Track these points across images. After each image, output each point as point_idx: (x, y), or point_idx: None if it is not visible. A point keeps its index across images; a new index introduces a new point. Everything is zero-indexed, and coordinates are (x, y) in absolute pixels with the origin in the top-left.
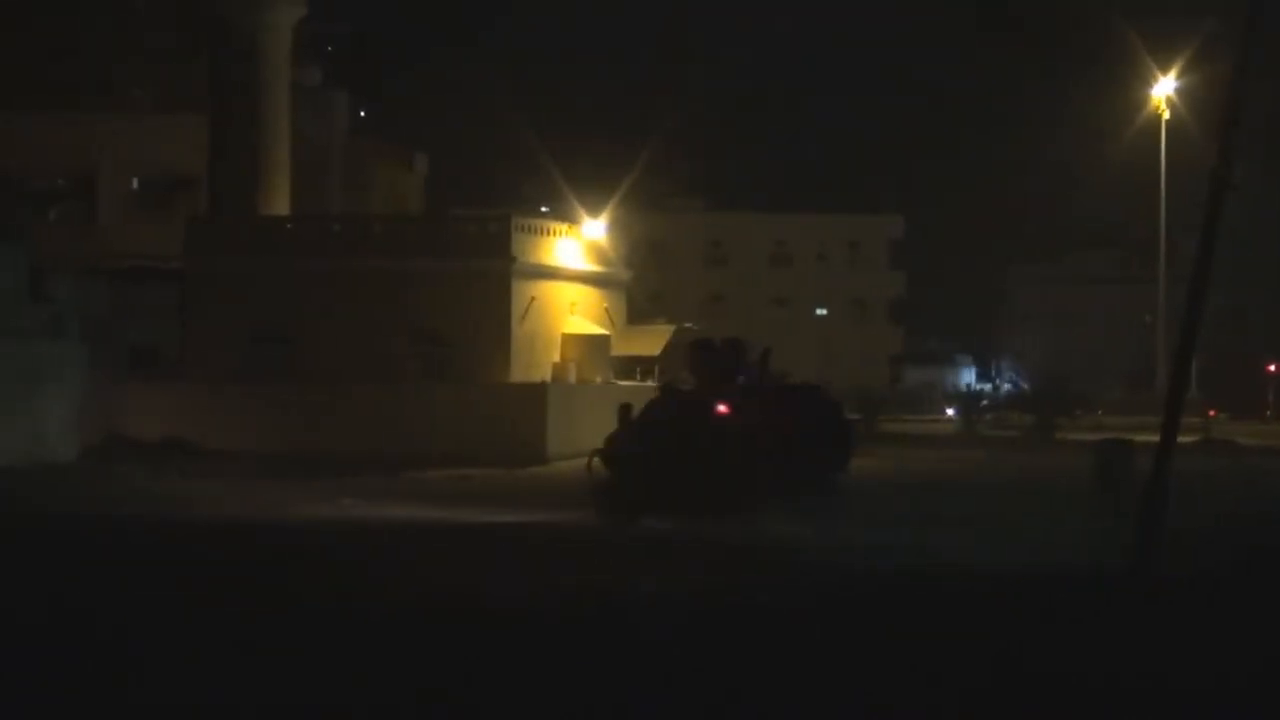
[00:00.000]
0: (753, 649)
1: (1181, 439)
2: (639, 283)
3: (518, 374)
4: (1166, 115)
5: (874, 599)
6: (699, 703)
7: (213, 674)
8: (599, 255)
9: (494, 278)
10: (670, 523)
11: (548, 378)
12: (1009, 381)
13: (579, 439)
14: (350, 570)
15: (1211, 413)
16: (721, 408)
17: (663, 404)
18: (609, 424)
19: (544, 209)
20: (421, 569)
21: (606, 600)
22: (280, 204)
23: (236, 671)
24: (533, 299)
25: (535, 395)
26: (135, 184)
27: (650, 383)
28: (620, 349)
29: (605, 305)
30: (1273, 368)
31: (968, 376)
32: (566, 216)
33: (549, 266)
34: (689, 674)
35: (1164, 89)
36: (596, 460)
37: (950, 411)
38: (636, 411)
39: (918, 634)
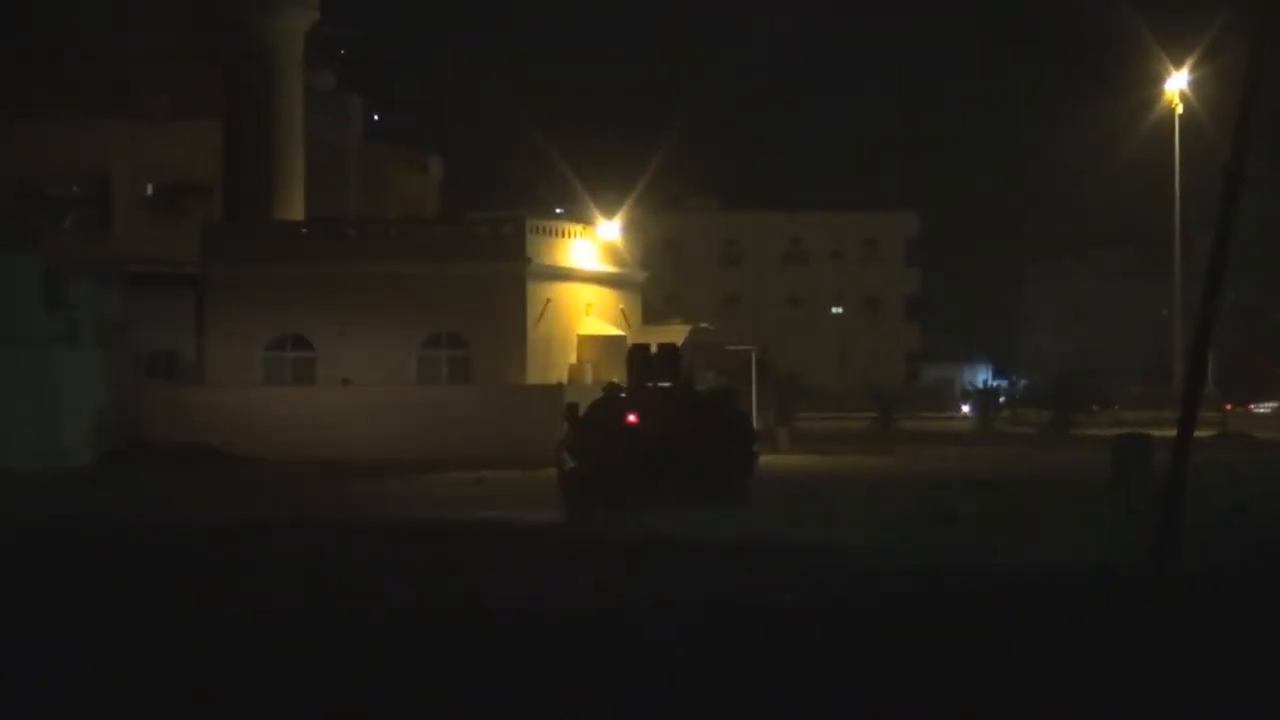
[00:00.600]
0: (752, 649)
1: (1198, 433)
2: (654, 283)
3: (534, 376)
4: (1180, 110)
5: (876, 599)
6: (699, 703)
7: (213, 674)
8: (614, 256)
9: (509, 279)
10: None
11: (564, 379)
12: (1025, 378)
13: None
14: (355, 570)
15: (1228, 406)
16: (631, 416)
17: (601, 406)
18: None
19: (558, 210)
20: (424, 570)
21: (607, 601)
22: (295, 208)
23: (235, 671)
24: (548, 300)
25: (551, 397)
26: (149, 189)
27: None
28: None
29: (621, 306)
30: None
31: (984, 373)
32: (581, 218)
33: (564, 268)
34: (689, 674)
35: (1177, 83)
36: (567, 459)
37: (965, 408)
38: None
39: (916, 634)
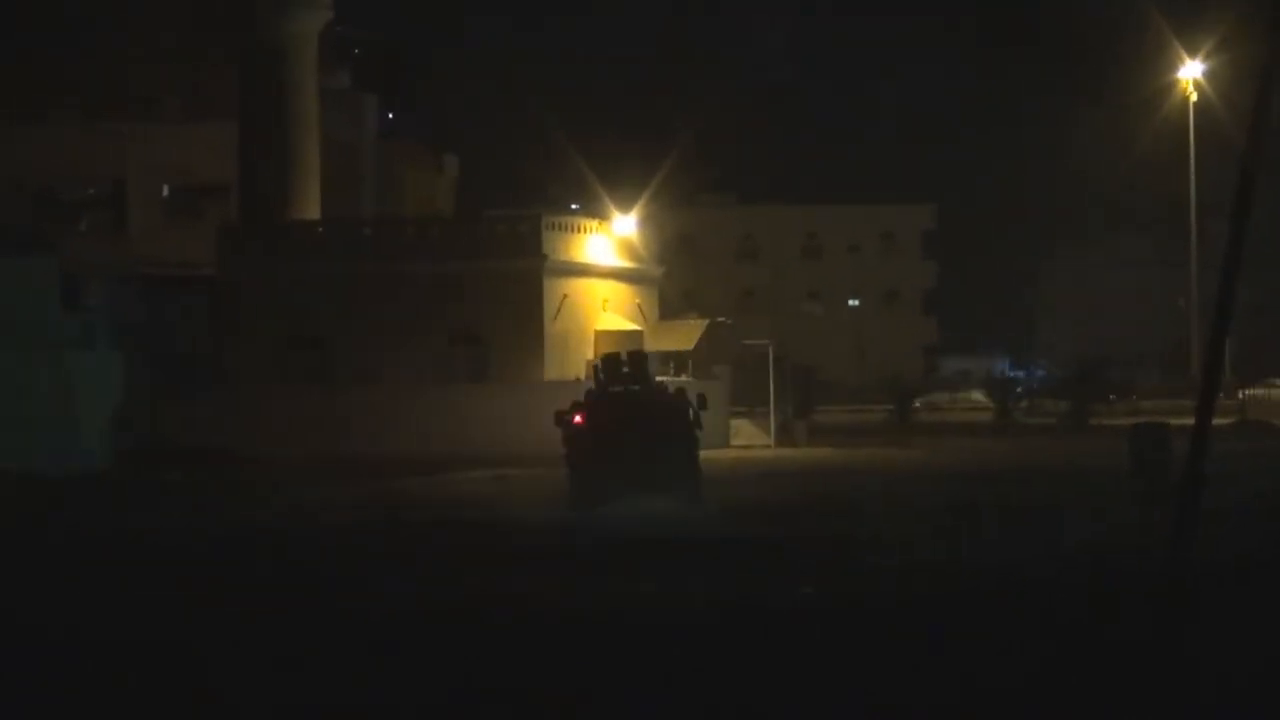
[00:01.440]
0: (755, 646)
1: (1216, 421)
2: (672, 279)
3: (552, 372)
4: (1194, 99)
5: (884, 595)
6: (698, 703)
7: (212, 674)
8: (630, 251)
9: (526, 277)
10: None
11: (582, 375)
12: (1042, 368)
13: None
14: (360, 570)
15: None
16: (577, 417)
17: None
18: None
19: (574, 206)
20: (428, 569)
21: (610, 600)
22: (311, 208)
23: (236, 671)
24: (565, 297)
25: (570, 393)
26: (165, 191)
27: (685, 377)
28: (653, 344)
29: (637, 301)
30: None
31: (1002, 364)
32: (597, 214)
33: (580, 264)
34: (688, 674)
35: (1191, 72)
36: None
37: (977, 395)
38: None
39: (921, 631)
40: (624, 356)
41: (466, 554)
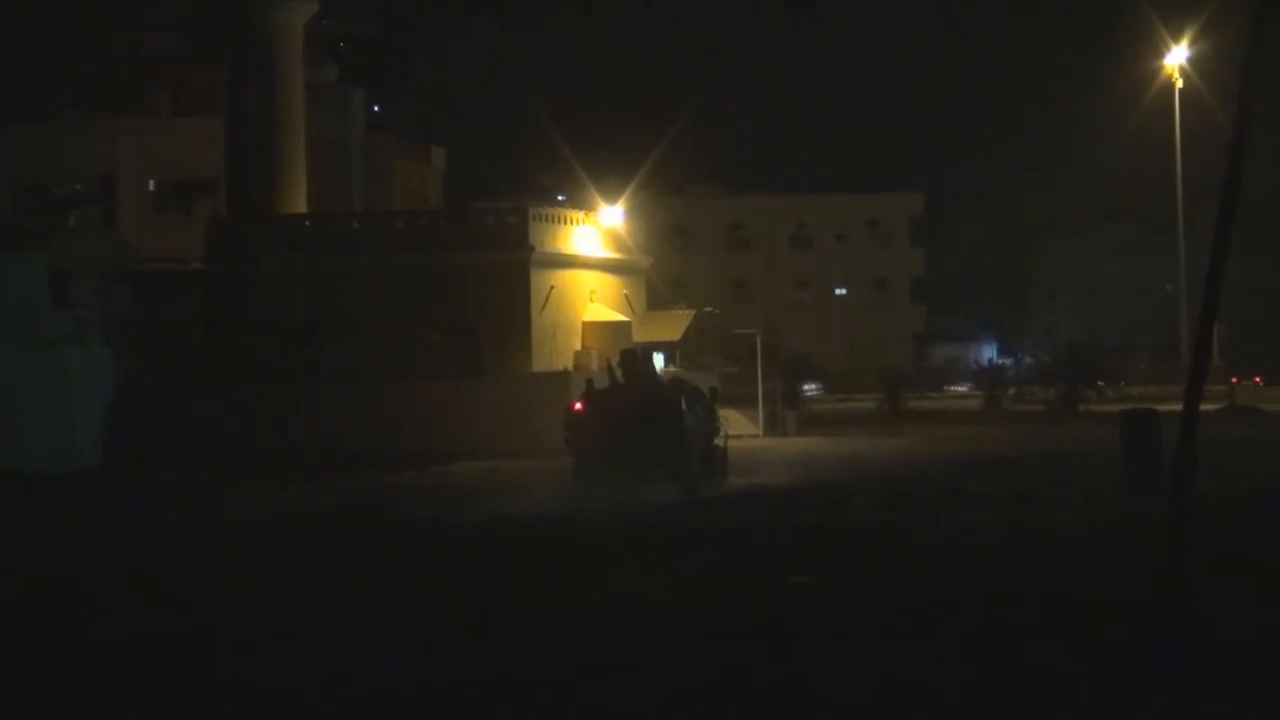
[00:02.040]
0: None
1: (1205, 406)
2: (661, 269)
3: (540, 364)
4: (1180, 84)
5: (876, 586)
6: (693, 702)
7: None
8: (617, 242)
9: (513, 269)
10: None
11: (570, 366)
12: (1031, 355)
13: None
14: (359, 567)
15: (1256, 379)
16: (577, 404)
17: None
18: None
19: (560, 198)
20: (425, 566)
21: (595, 593)
22: (299, 202)
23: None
24: (552, 288)
25: (558, 384)
26: (153, 186)
27: (671, 368)
28: (641, 335)
29: (625, 292)
30: None
31: (989, 352)
32: (584, 204)
33: (567, 255)
34: (671, 669)
35: (1177, 58)
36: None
37: (962, 388)
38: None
39: (917, 624)
40: (639, 353)
41: (463, 550)
